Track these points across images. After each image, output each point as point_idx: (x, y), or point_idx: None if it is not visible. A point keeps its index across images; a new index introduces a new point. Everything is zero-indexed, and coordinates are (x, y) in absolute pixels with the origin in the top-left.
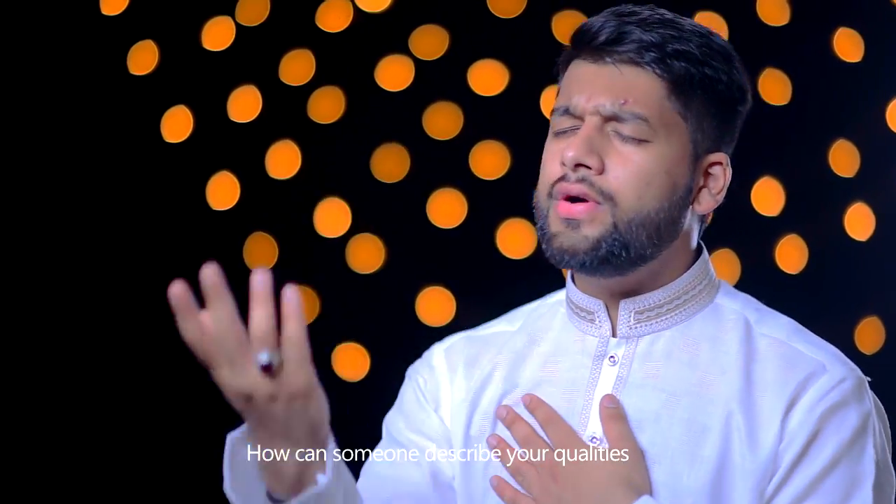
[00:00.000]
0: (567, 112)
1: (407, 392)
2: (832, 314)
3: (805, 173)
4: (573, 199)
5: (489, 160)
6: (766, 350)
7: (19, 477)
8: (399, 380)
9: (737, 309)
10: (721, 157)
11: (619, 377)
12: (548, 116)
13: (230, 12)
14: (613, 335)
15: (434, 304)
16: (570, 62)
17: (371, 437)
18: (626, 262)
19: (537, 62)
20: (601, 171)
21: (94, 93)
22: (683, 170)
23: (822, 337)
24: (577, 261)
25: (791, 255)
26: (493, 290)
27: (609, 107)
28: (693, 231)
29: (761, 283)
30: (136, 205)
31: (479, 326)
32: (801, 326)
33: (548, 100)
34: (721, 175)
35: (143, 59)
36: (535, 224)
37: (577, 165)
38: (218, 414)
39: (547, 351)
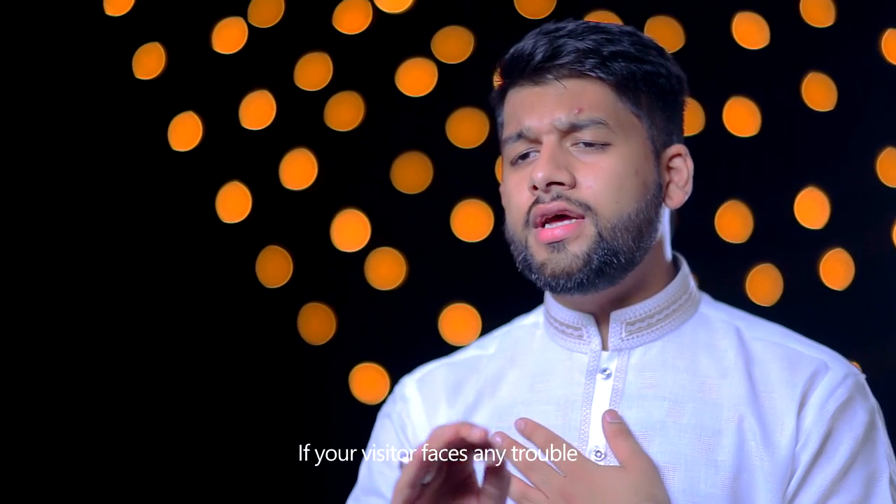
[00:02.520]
0: (521, 136)
1: (385, 438)
2: (880, 333)
3: (851, 184)
4: (552, 219)
5: None
6: (762, 352)
7: (20, 477)
8: None
9: (724, 318)
10: (679, 148)
11: (615, 389)
12: None
13: (242, 13)
14: (604, 348)
15: (458, 322)
16: (507, 93)
17: None
18: (619, 268)
19: None
20: (573, 186)
21: (97, 98)
22: (649, 168)
23: (870, 358)
24: (574, 281)
25: (836, 270)
26: (520, 306)
27: (565, 118)
28: (665, 238)
29: (805, 299)
30: (142, 217)
31: (452, 354)
32: (791, 331)
33: None
34: (683, 166)
35: (149, 62)
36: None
37: (550, 184)
38: (220, 422)
39: (532, 372)
